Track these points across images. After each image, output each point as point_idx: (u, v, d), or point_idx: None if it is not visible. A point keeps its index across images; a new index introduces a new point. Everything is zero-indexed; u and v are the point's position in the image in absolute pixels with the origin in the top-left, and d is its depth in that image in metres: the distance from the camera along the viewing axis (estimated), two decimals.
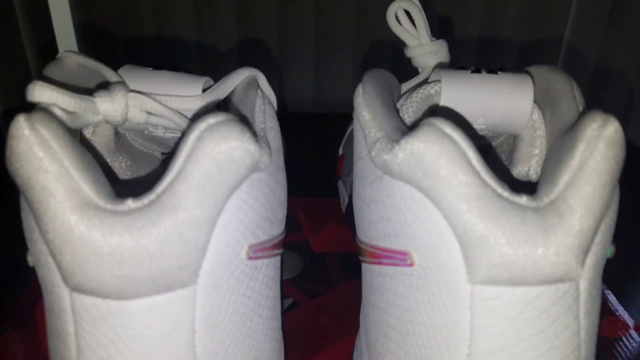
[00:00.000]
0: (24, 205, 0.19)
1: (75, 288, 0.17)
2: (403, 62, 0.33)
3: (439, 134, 0.18)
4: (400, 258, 0.21)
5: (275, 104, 0.27)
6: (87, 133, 0.25)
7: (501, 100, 0.24)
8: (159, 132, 0.26)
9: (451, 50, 0.31)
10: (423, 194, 0.19)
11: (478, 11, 0.68)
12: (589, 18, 0.69)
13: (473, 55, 0.70)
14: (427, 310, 0.20)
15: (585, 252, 0.18)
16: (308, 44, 0.70)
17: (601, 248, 0.19)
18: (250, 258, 0.20)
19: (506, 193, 0.18)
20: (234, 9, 0.68)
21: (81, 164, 0.17)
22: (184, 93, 0.24)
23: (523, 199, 0.18)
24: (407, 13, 0.30)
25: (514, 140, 0.27)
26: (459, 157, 0.18)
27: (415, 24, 0.30)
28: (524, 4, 0.68)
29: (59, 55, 0.24)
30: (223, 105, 0.26)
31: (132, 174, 0.28)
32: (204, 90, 0.25)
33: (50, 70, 0.23)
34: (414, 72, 0.33)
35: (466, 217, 0.18)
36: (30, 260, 0.19)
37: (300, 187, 0.49)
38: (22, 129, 0.17)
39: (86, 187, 0.17)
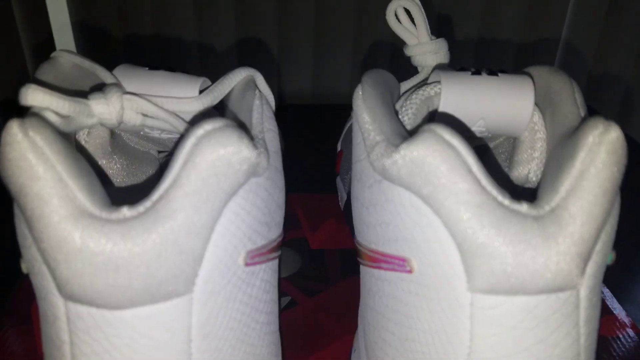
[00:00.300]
0: (17, 211, 0.19)
1: (70, 297, 0.17)
2: (402, 56, 0.33)
3: (438, 140, 0.18)
4: (399, 264, 0.21)
5: (273, 104, 0.27)
6: (82, 134, 0.25)
7: (501, 103, 0.24)
8: (155, 134, 0.26)
9: (450, 49, 0.31)
10: (422, 201, 0.19)
11: (476, 11, 0.68)
12: (586, 18, 0.69)
13: (471, 54, 0.70)
14: (427, 317, 0.19)
15: (586, 261, 0.18)
16: (307, 37, 0.70)
17: (602, 256, 0.19)
18: (247, 264, 0.20)
19: (507, 201, 0.18)
20: (234, 2, 0.67)
21: (75, 171, 0.17)
22: (180, 94, 0.24)
23: (524, 207, 0.18)
24: (407, 11, 0.30)
25: (513, 141, 0.26)
26: (459, 165, 0.18)
27: (415, 22, 0.30)
28: (522, 5, 0.68)
29: (52, 55, 0.24)
30: (220, 107, 0.25)
31: (128, 174, 0.28)
32: (201, 91, 0.24)
33: (44, 70, 0.23)
34: (413, 67, 0.32)
35: (466, 225, 0.18)
36: (24, 267, 0.19)
37: (299, 182, 0.49)
38: (15, 135, 0.17)
39: (81, 194, 0.17)
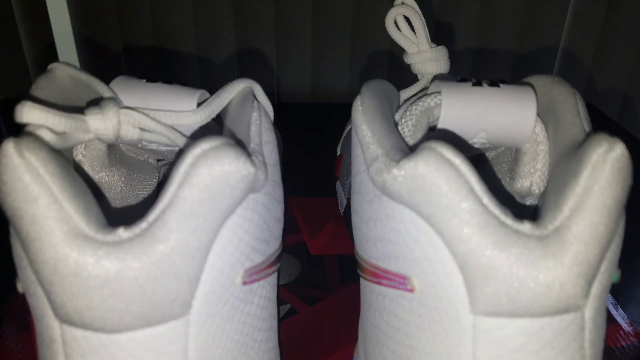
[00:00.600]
0: (12, 231, 0.18)
1: (66, 320, 0.17)
2: (400, 55, 0.32)
3: (439, 158, 0.18)
4: (400, 282, 0.20)
5: (272, 114, 0.27)
6: (80, 148, 0.24)
7: (503, 115, 0.24)
8: (153, 146, 0.25)
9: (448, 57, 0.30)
10: (424, 220, 0.19)
11: (474, 19, 0.68)
12: (585, 26, 0.70)
13: (469, 61, 0.70)
14: (428, 338, 0.19)
15: (591, 282, 0.18)
16: (305, 35, 0.70)
17: (607, 276, 0.19)
18: (245, 283, 0.20)
19: (509, 220, 0.18)
20: (232, 1, 0.67)
21: (71, 192, 0.17)
22: (178, 107, 0.23)
23: (527, 227, 0.18)
24: (407, 19, 0.30)
25: (515, 152, 0.26)
26: (461, 184, 0.17)
27: (415, 30, 0.29)
28: (519, 12, 0.68)
29: (50, 67, 0.24)
30: (218, 119, 0.25)
31: (127, 185, 0.27)
32: (199, 104, 0.24)
33: (41, 84, 0.23)
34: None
35: (469, 246, 0.17)
36: (20, 287, 0.19)
37: (298, 183, 0.49)
38: (10, 156, 0.17)
39: (76, 216, 0.17)
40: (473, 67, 0.71)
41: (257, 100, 0.25)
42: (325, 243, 0.42)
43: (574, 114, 0.22)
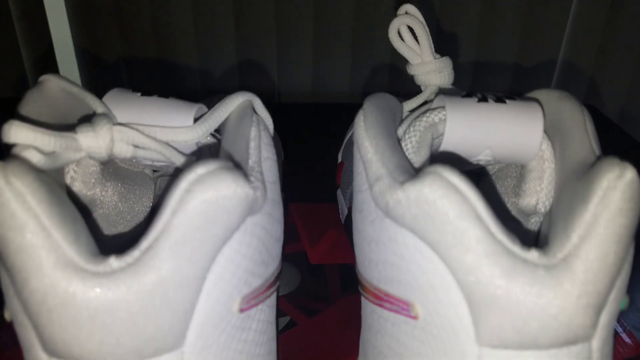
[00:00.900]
0: None
1: (54, 353, 0.16)
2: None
3: (444, 183, 0.17)
4: (403, 307, 0.20)
5: (271, 127, 0.26)
6: (72, 164, 0.24)
7: (509, 132, 0.23)
8: (147, 162, 0.24)
9: None
10: (428, 246, 0.18)
11: (475, 19, 0.68)
12: (586, 26, 0.69)
13: (470, 60, 0.70)
14: None
15: (600, 312, 0.17)
16: (306, 34, 0.69)
17: (615, 304, 0.18)
18: (242, 310, 0.19)
19: (517, 249, 0.17)
20: (232, 0, 0.66)
21: (60, 219, 0.16)
22: (174, 123, 0.23)
23: (535, 256, 0.17)
24: (410, 29, 0.29)
25: (521, 167, 0.25)
26: (468, 210, 0.17)
27: (419, 40, 0.29)
28: (521, 13, 0.68)
29: (41, 79, 0.23)
30: (216, 134, 0.24)
31: (121, 199, 0.27)
32: (196, 119, 0.23)
33: (32, 97, 0.22)
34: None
35: (475, 275, 0.17)
36: (8, 316, 0.18)
37: (298, 186, 0.48)
38: None
39: (65, 245, 0.16)
40: (473, 67, 0.70)
41: (257, 114, 0.25)
42: (325, 251, 0.41)
43: (582, 132, 0.22)
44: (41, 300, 0.16)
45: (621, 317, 0.35)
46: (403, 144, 0.23)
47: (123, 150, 0.21)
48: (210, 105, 0.36)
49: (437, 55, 0.29)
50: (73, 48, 0.67)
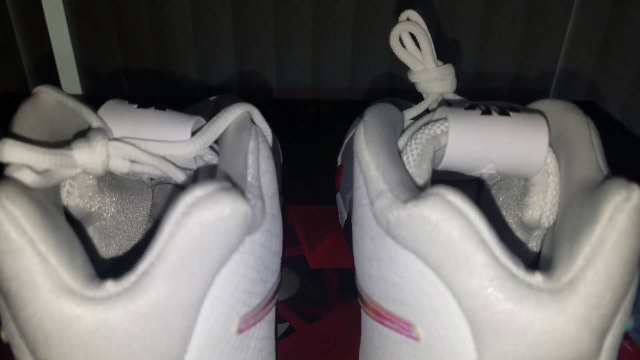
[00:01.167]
0: None
1: None
2: None
3: (447, 206, 0.17)
4: (404, 327, 0.19)
5: (270, 138, 0.25)
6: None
7: (513, 147, 0.22)
8: (144, 176, 0.24)
9: None
10: (430, 268, 0.18)
11: (476, 16, 0.67)
12: (587, 24, 0.69)
13: (469, 75, 0.69)
14: None
15: (605, 335, 0.17)
16: (305, 30, 0.68)
17: (621, 327, 0.18)
18: (241, 330, 0.19)
19: (522, 273, 0.17)
20: None
21: (56, 242, 0.16)
22: (171, 136, 0.22)
23: (539, 280, 0.17)
24: (412, 36, 0.28)
25: (525, 180, 0.25)
26: (471, 234, 0.16)
27: (421, 47, 0.28)
28: (522, 11, 0.67)
29: (35, 90, 0.22)
30: (215, 145, 0.24)
31: (120, 210, 0.26)
32: (194, 132, 0.23)
33: (26, 110, 0.21)
34: None
35: (478, 300, 0.16)
36: (4, 336, 0.18)
37: (297, 186, 0.48)
38: None
39: (61, 269, 0.16)
40: (474, 67, 0.70)
41: (255, 125, 0.24)
42: (324, 255, 0.40)
43: (588, 146, 0.21)
44: (37, 326, 0.15)
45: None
46: (404, 157, 0.23)
47: (119, 165, 0.21)
48: (208, 107, 0.36)
49: (440, 63, 0.28)
50: (72, 52, 0.67)
